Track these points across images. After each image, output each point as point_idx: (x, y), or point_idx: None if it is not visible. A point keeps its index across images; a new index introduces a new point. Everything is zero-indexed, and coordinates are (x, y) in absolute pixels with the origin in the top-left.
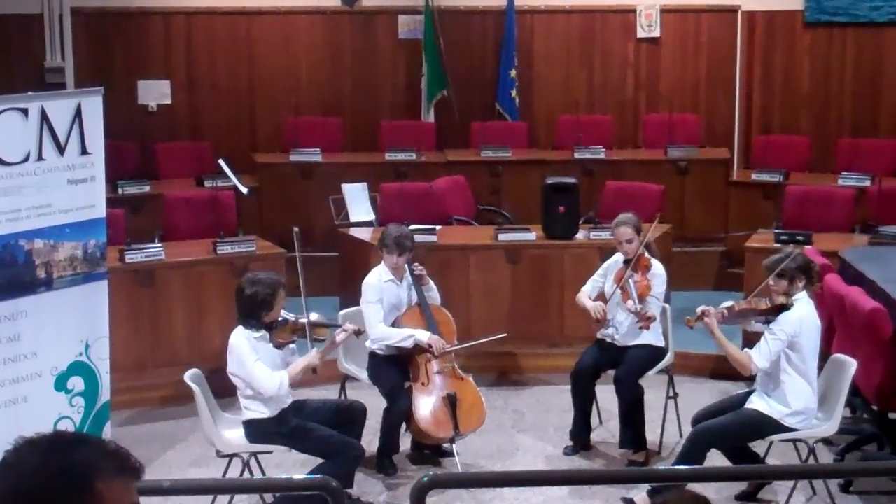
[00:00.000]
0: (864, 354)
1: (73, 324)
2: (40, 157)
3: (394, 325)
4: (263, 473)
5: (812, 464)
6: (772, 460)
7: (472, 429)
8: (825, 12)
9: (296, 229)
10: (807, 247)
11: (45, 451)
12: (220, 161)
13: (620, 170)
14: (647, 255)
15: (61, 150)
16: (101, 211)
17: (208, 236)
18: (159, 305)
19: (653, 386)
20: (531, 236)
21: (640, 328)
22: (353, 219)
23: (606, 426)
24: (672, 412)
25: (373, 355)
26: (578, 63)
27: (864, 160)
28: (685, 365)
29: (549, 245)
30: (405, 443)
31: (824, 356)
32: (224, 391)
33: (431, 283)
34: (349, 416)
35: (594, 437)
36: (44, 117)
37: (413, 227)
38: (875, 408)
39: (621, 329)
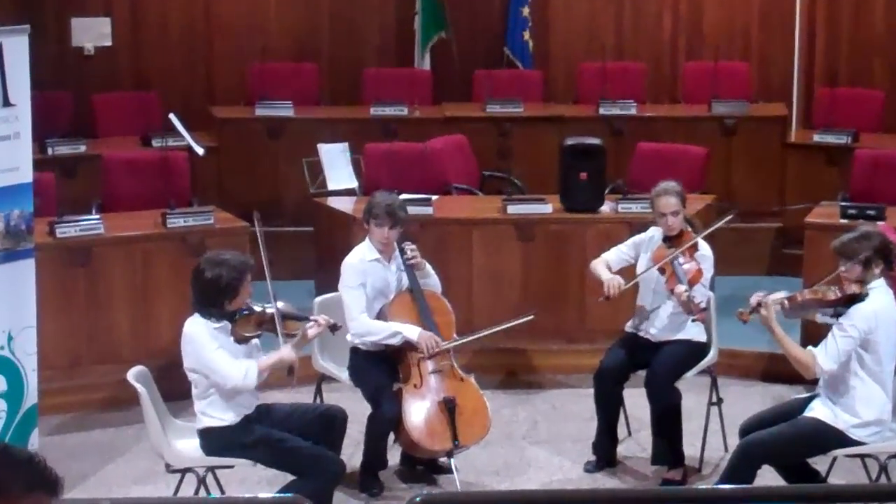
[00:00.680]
0: None
1: None
2: None
3: (380, 315)
4: (223, 492)
5: (884, 483)
6: (835, 479)
7: (475, 440)
8: None
9: (257, 214)
10: (879, 223)
11: None
12: (171, 116)
13: (655, 129)
14: (691, 232)
15: None
16: (26, 175)
17: (157, 207)
18: (97, 289)
19: (692, 389)
20: (546, 209)
21: (694, 320)
22: (331, 186)
23: (636, 438)
24: (715, 421)
25: (355, 351)
26: None
27: None
28: (731, 364)
29: (568, 219)
30: (394, 456)
31: None
32: (176, 393)
33: (429, 268)
34: (326, 424)
35: (621, 450)
36: None
37: (404, 196)
38: None
39: (659, 321)
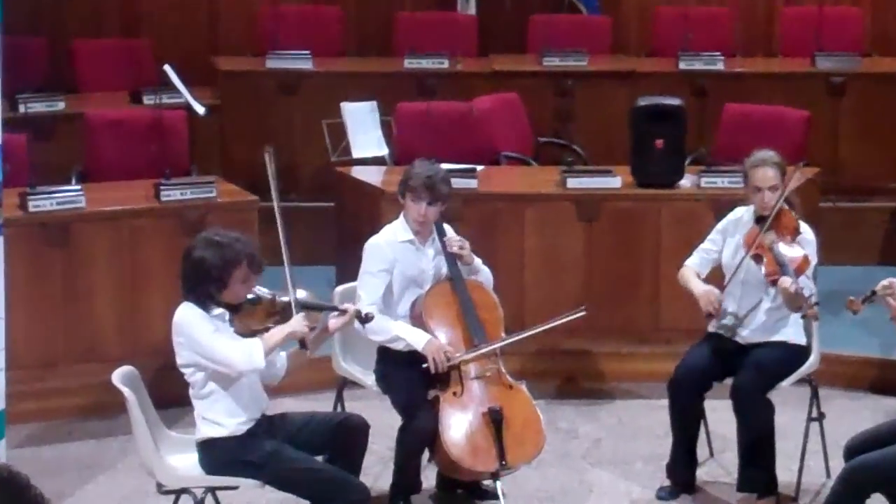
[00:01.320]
0: None
1: None
2: None
3: (413, 308)
4: None
5: None
6: None
7: (525, 459)
8: None
9: (269, 149)
10: None
11: None
12: (166, 68)
13: (746, 87)
14: (791, 212)
15: None
16: None
17: (148, 176)
18: (77, 274)
19: (788, 402)
20: (614, 182)
21: (804, 317)
22: (356, 154)
23: (720, 459)
24: (816, 440)
25: (384, 351)
26: None
27: None
28: (835, 372)
29: (640, 195)
30: (429, 478)
31: None
32: (169, 399)
33: (478, 262)
34: (344, 437)
35: (702, 474)
36: None
37: (444, 166)
38: None
39: (754, 320)
